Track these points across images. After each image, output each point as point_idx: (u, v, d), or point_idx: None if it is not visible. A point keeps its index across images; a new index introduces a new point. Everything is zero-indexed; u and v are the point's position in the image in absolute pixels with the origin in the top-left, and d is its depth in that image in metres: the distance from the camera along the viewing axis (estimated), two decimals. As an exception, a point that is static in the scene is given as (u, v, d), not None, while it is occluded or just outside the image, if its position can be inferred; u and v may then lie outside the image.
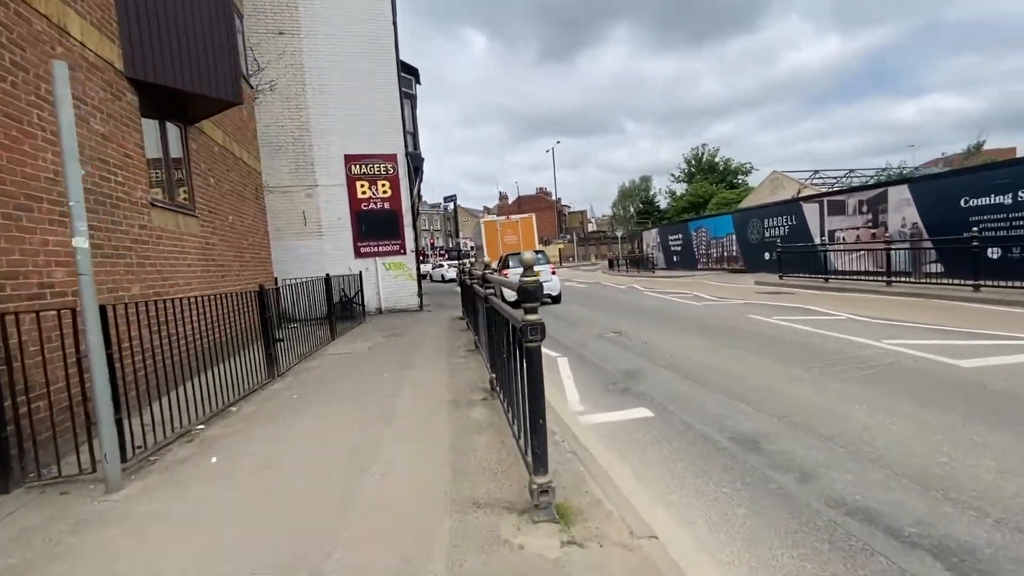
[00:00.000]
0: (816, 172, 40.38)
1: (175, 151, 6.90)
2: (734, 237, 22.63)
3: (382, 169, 13.66)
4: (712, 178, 69.34)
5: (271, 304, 6.30)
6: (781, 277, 16.78)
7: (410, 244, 14.12)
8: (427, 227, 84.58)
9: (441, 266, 39.43)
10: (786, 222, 18.99)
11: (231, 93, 6.66)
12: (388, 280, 13.96)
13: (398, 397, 5.21)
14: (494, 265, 19.60)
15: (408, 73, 15.51)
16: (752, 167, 71.44)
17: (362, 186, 13.56)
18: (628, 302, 14.05)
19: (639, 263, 31.30)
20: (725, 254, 23.39)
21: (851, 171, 41.18)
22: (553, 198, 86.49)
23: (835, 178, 40.18)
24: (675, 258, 28.32)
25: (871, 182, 34.46)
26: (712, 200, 54.50)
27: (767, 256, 20.15)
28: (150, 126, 6.32)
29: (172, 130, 6.81)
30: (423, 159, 14.70)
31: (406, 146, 13.89)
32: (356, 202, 13.57)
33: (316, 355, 8.00)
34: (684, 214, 58.90)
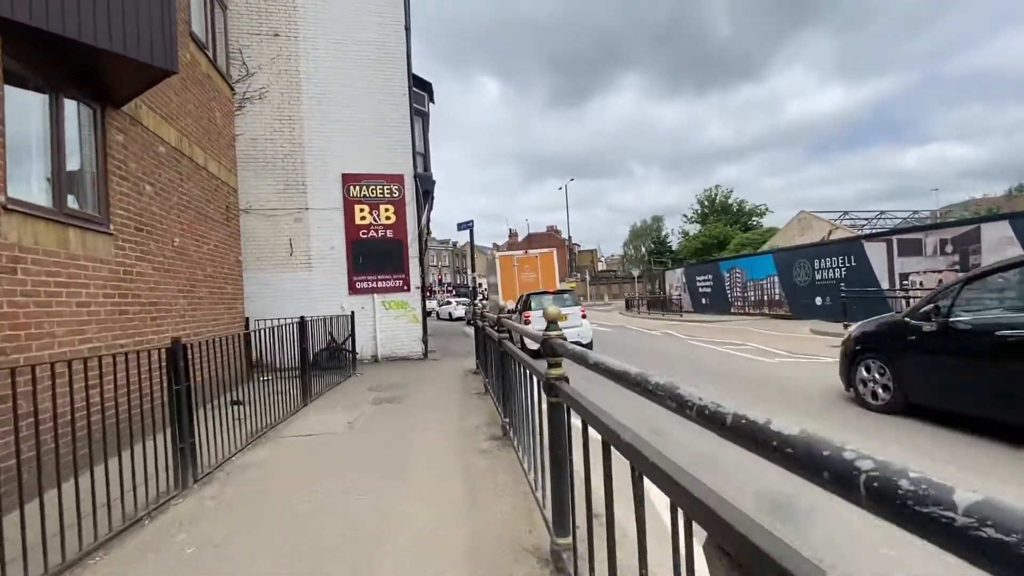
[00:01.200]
0: (845, 213, 38.42)
1: (82, 141, 4.81)
2: (776, 279, 20.32)
3: (386, 192, 11.65)
4: (726, 219, 67.91)
5: (185, 366, 4.02)
6: (847, 326, 14.33)
7: (415, 279, 11.93)
8: (435, 263, 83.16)
9: (449, 303, 37.26)
10: (843, 263, 16.71)
11: (162, 57, 4.61)
12: (387, 321, 11.69)
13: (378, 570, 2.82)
14: (509, 306, 17.40)
15: (420, 88, 13.76)
16: (767, 209, 69.83)
17: (361, 211, 11.51)
18: (676, 354, 11.64)
19: (662, 305, 28.97)
20: (766, 298, 21.02)
21: (882, 213, 39.26)
22: (563, 236, 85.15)
23: (865, 219, 38.21)
24: (704, 300, 25.96)
25: (931, 220, 32.12)
26: (733, 241, 52.59)
27: (819, 301, 17.78)
28: (34, 101, 4.26)
29: (79, 112, 4.75)
30: (434, 182, 12.77)
31: (415, 167, 11.93)
32: (353, 229, 11.49)
33: (272, 434, 5.65)
34: (697, 255, 57.08)
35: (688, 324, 20.40)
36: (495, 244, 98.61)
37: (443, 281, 69.28)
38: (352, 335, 9.95)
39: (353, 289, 11.44)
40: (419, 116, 13.38)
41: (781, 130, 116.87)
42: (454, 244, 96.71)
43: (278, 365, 6.76)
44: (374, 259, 11.54)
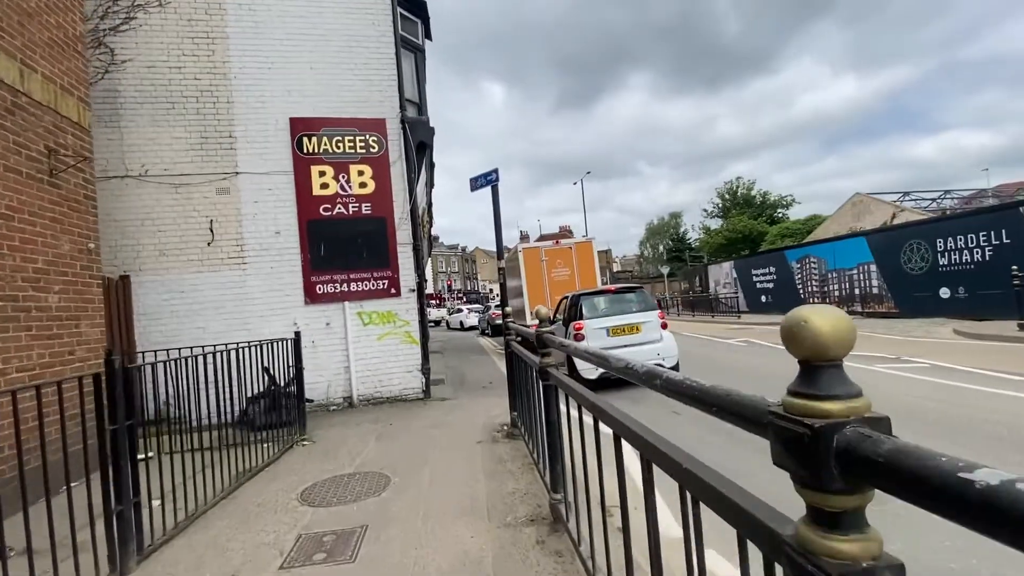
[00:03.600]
0: (906, 194, 33.88)
1: None
2: (872, 268, 16.01)
3: (359, 146, 7.66)
4: (750, 212, 63.55)
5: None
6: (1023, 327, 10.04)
7: (408, 278, 7.90)
8: (444, 268, 79.45)
9: (460, 311, 33.28)
10: (986, 241, 12.40)
11: None
12: (367, 344, 7.65)
13: None
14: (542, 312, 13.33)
15: (412, 13, 9.77)
16: (794, 199, 65.30)
17: (322, 175, 7.53)
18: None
19: (709, 305, 24.74)
20: (857, 291, 16.70)
21: (947, 191, 34.67)
22: (576, 236, 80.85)
23: (930, 199, 33.66)
24: (765, 298, 21.65)
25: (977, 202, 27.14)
26: (770, 233, 48.09)
27: (945, 292, 13.47)
28: None
29: None
30: (432, 130, 8.74)
31: (402, 109, 7.92)
32: (310, 203, 7.50)
33: None
34: (722, 251, 52.70)
35: (758, 327, 16.15)
36: (507, 248, 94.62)
37: (453, 287, 65.39)
38: (299, 373, 5.93)
39: (312, 295, 7.43)
40: (410, 50, 9.39)
41: (793, 124, 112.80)
42: (463, 249, 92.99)
43: (201, 422, 2.95)
44: (344, 249, 7.54)
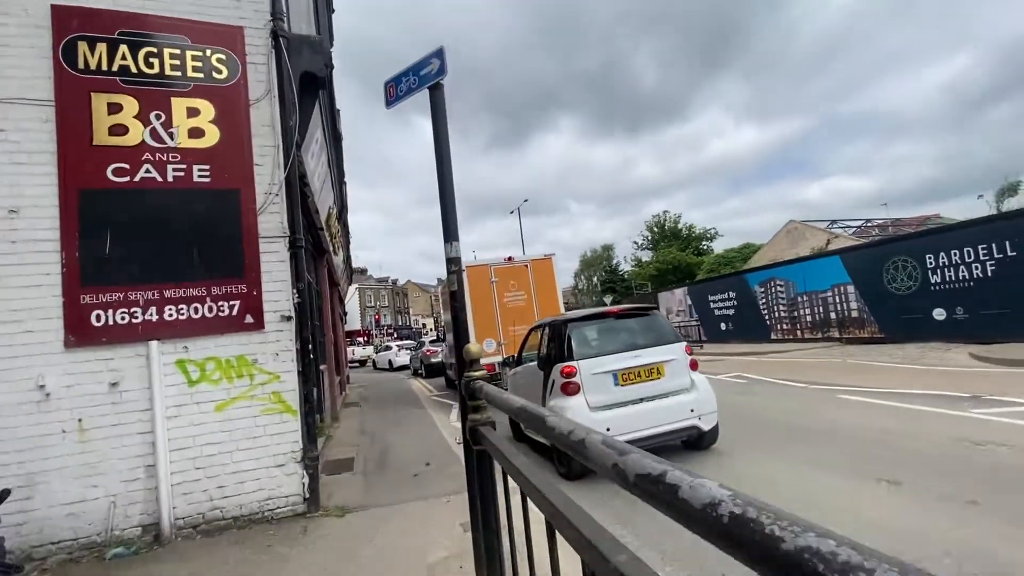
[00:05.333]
0: (834, 222, 34.86)
1: None
2: (850, 289, 14.57)
3: (192, 67, 4.38)
4: (677, 244, 65.42)
5: None
6: (1070, 350, 8.38)
7: (278, 297, 4.56)
8: (372, 303, 74.13)
9: (388, 348, 29.25)
10: (986, 254, 11.08)
11: None
12: (195, 417, 4.15)
13: None
14: (480, 351, 10.27)
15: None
16: (717, 232, 68.06)
17: (116, 110, 4.13)
18: (852, 430, 4.86)
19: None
20: (834, 316, 15.17)
21: (868, 221, 36.14)
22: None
23: (854, 227, 34.81)
24: (725, 325, 19.96)
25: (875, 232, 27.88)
26: (706, 261, 48.60)
27: (940, 314, 12.03)
28: None
29: None
30: (331, 63, 5.64)
31: (278, 18, 4.74)
32: (86, 160, 4.05)
33: None
34: (654, 282, 52.92)
35: (733, 358, 14.07)
36: (439, 279, 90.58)
37: (381, 322, 60.51)
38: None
39: (81, 330, 3.88)
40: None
41: (703, 167, 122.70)
42: (393, 282, 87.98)
43: None
44: (154, 244, 4.12)
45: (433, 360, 19.38)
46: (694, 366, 5.41)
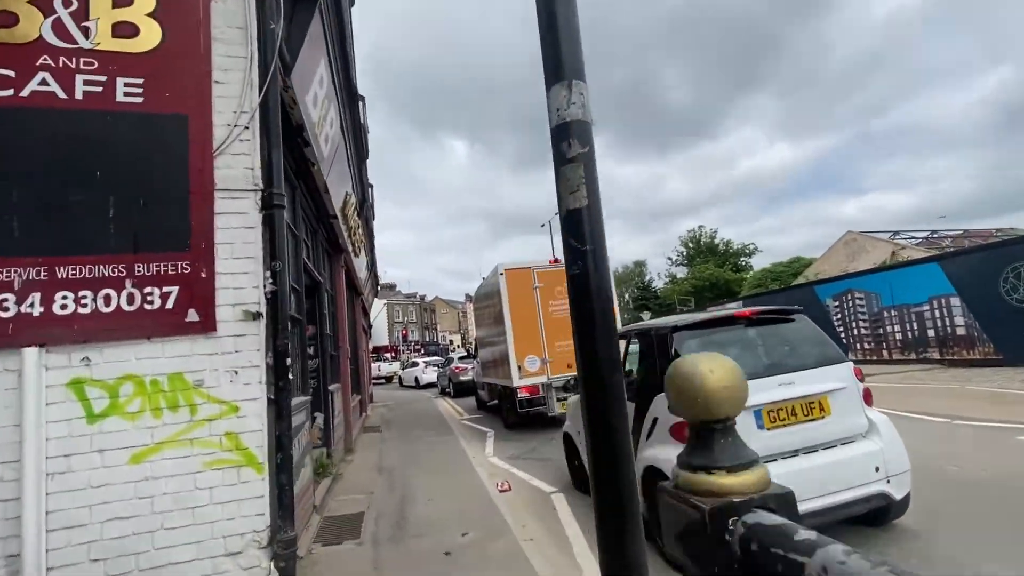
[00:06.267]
0: (896, 232, 31.98)
1: None
2: (955, 302, 12.28)
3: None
4: (714, 260, 62.83)
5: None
6: None
7: (242, 283, 2.95)
8: (400, 319, 73.47)
9: (415, 364, 27.82)
10: None
11: None
12: (94, 472, 2.53)
13: None
14: (530, 368, 8.48)
15: None
16: (756, 248, 65.17)
17: (-1, -8, 2.68)
18: None
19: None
20: (932, 333, 12.86)
21: (934, 232, 33.06)
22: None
23: (919, 239, 31.82)
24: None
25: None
26: (751, 276, 45.98)
27: (1089, 332, 9.70)
28: None
29: None
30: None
31: None
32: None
33: None
34: (689, 298, 50.55)
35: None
36: (468, 296, 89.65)
37: (408, 338, 59.54)
38: None
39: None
40: None
41: (734, 184, 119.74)
42: (421, 298, 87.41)
43: None
44: (47, 193, 2.61)
45: (462, 378, 17.73)
46: (868, 398, 3.57)
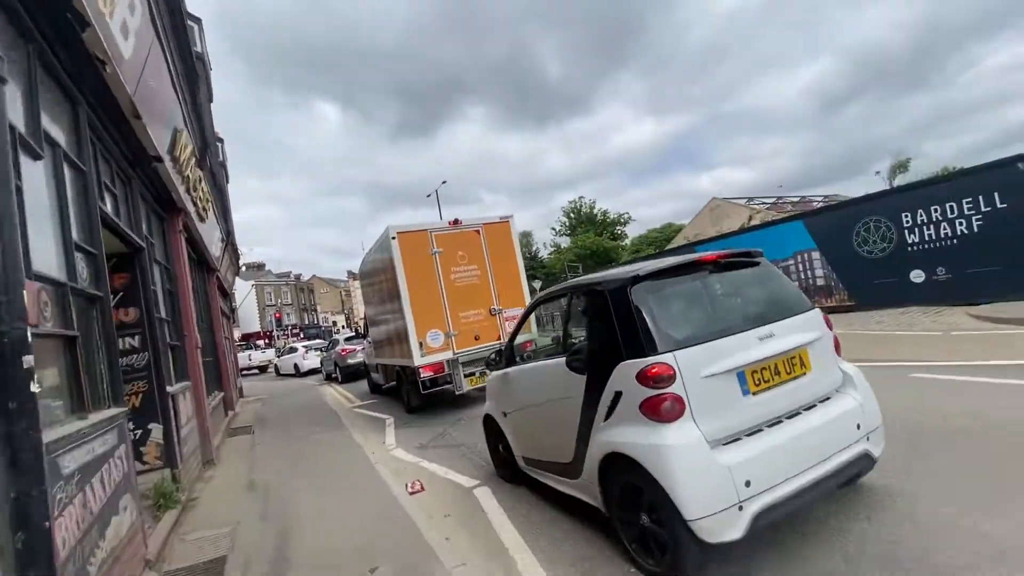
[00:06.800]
0: (751, 199, 35.77)
1: None
2: (815, 256, 13.62)
3: None
4: (594, 229, 66.10)
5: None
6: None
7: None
8: (273, 301, 66.69)
9: (294, 350, 25.08)
10: (971, 208, 10.29)
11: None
12: None
13: None
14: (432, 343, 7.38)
15: None
16: (630, 217, 69.74)
17: None
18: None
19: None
20: (797, 284, 14.20)
21: (779, 198, 37.58)
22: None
23: (767, 204, 35.96)
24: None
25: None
26: (629, 243, 48.62)
27: (918, 276, 11.22)
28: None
29: None
30: None
31: None
32: None
33: None
34: (571, 268, 52.96)
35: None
36: (350, 272, 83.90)
37: (283, 322, 54.35)
38: None
39: None
40: None
41: (607, 159, 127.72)
42: (297, 277, 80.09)
43: None
44: None
45: (351, 361, 16.06)
46: (838, 348, 3.17)
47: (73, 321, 2.69)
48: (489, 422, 4.63)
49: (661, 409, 2.50)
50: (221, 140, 13.70)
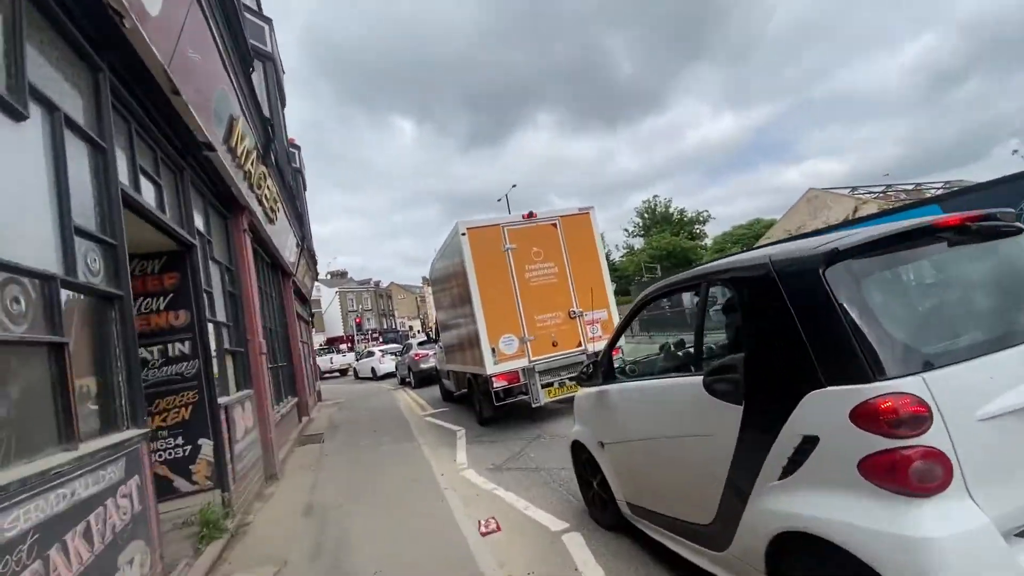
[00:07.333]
0: (854, 188, 31.96)
1: None
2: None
3: None
4: (669, 229, 62.83)
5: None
6: None
7: None
8: (354, 307, 69.91)
9: (371, 354, 25.54)
10: None
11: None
12: None
13: None
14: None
15: None
16: (710, 215, 65.49)
17: None
18: None
19: (689, 323, 19.49)
20: None
21: (889, 186, 33.29)
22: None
23: (879, 191, 31.93)
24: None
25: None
26: (713, 241, 45.62)
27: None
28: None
29: None
30: None
31: None
32: None
33: None
34: (648, 270, 50.52)
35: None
36: (425, 279, 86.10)
37: (363, 327, 56.57)
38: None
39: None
40: None
41: (682, 157, 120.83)
42: (376, 284, 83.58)
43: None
44: None
45: (423, 366, 15.73)
46: None
47: (62, 324, 2.10)
48: (579, 449, 3.70)
49: (908, 474, 1.44)
50: (298, 147, 13.89)
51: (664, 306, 21.83)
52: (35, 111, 2.23)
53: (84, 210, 2.54)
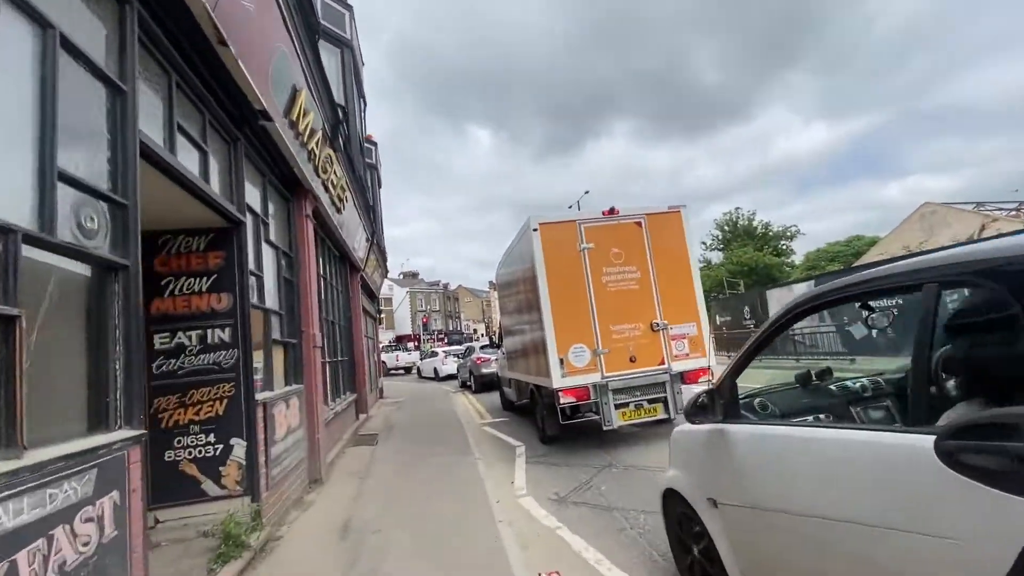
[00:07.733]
0: (980, 204, 27.84)
1: None
2: None
3: None
4: (752, 244, 58.41)
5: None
6: None
7: None
8: (423, 307, 71.59)
9: (435, 354, 25.53)
10: None
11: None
12: None
13: None
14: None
15: None
16: (799, 230, 60.30)
17: None
18: None
19: (778, 343, 17.43)
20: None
21: (1022, 203, 28.72)
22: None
23: (1005, 210, 27.60)
24: (878, 333, 14.42)
25: None
26: (804, 258, 41.84)
27: None
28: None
29: None
30: None
31: None
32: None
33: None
34: (728, 286, 47.07)
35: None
36: (491, 284, 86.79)
37: (429, 326, 57.58)
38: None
39: None
40: None
41: (766, 169, 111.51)
42: (445, 286, 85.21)
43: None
44: None
45: (485, 371, 15.19)
46: None
47: (15, 291, 1.60)
48: (674, 501, 2.82)
49: None
50: (374, 143, 13.91)
51: (746, 323, 19.27)
52: (13, 17, 1.77)
53: (84, 157, 2.08)
